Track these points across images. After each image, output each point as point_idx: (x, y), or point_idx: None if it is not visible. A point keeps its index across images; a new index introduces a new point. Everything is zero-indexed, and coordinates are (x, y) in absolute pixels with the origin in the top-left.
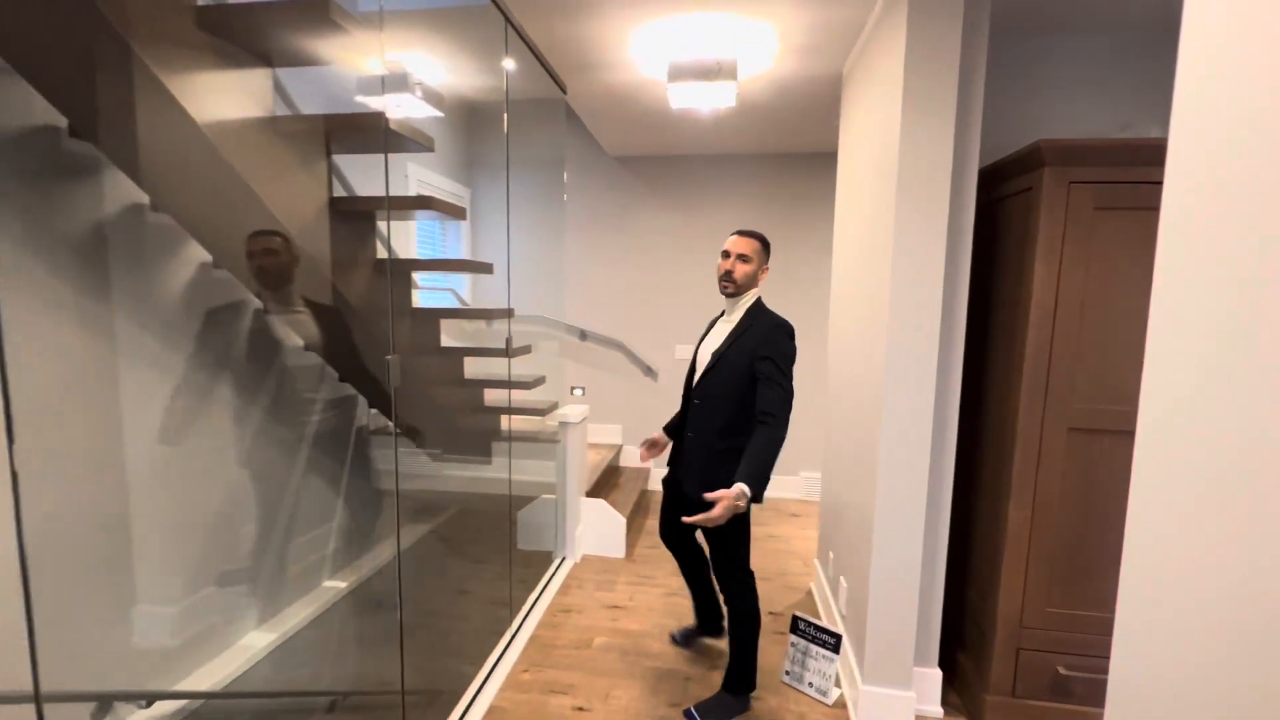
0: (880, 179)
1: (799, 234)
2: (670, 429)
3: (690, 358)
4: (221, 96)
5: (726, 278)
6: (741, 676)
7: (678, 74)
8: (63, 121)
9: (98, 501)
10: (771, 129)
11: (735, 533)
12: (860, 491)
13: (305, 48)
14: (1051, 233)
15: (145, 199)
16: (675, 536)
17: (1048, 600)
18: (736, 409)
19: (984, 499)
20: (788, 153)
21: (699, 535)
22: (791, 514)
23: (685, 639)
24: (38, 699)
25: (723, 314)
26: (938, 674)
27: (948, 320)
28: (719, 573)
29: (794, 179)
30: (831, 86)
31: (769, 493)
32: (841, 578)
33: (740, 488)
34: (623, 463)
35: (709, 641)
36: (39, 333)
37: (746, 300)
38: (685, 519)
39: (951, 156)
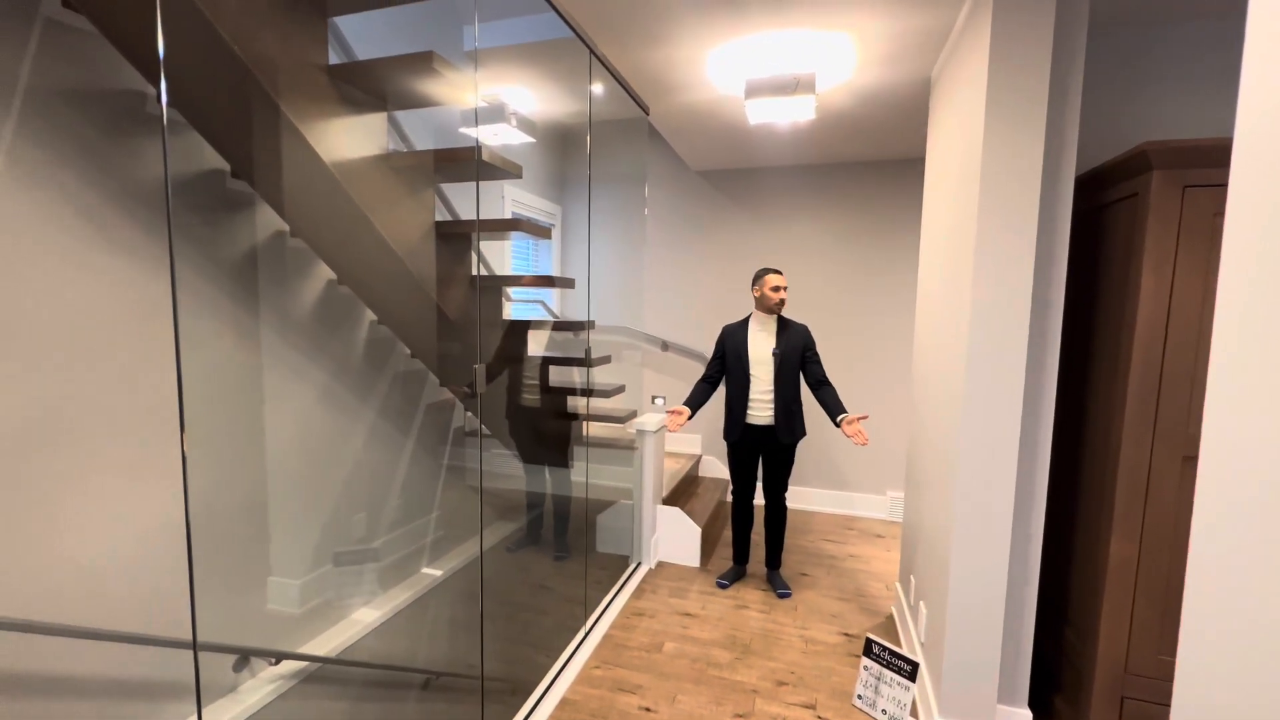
0: (964, 188)
1: (884, 244)
2: (693, 404)
3: (725, 350)
4: (344, 139)
5: (779, 304)
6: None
7: (754, 91)
8: (226, 165)
9: (244, 485)
10: (855, 138)
11: (793, 456)
12: (940, 515)
13: (413, 92)
14: (1162, 242)
15: (286, 227)
16: (751, 489)
17: (1159, 647)
18: (797, 381)
19: (1083, 530)
20: (873, 160)
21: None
22: (876, 535)
23: (734, 578)
24: (195, 647)
25: (746, 321)
26: (1027, 715)
27: (1039, 337)
28: (780, 487)
29: (880, 187)
30: (918, 92)
31: (850, 511)
32: (922, 603)
33: (848, 415)
34: (702, 472)
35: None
36: (205, 340)
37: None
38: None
39: (1041, 162)
